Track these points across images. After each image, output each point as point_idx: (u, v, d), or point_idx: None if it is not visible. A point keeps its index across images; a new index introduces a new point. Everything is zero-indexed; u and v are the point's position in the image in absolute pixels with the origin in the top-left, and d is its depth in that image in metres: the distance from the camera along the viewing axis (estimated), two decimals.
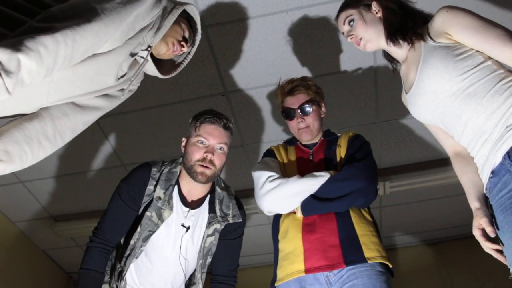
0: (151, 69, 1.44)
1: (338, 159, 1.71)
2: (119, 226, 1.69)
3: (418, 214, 3.36)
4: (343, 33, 1.50)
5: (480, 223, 1.24)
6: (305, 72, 2.45)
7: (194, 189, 1.74)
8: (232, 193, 1.85)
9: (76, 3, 1.10)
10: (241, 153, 2.89)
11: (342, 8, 1.49)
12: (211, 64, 2.39)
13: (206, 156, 1.65)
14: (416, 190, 3.05)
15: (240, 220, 1.80)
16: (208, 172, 1.65)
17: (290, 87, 1.80)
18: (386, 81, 2.48)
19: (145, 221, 1.67)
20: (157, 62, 1.46)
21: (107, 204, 1.75)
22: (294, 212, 1.64)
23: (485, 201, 1.29)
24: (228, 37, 2.28)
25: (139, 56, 1.36)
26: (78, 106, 1.26)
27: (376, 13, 1.42)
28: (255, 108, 2.64)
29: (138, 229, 1.67)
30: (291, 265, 1.55)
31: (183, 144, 1.76)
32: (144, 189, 1.69)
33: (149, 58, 1.38)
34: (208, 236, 1.76)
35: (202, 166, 1.64)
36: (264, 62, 2.40)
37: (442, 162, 2.89)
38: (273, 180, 1.64)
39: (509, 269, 1.21)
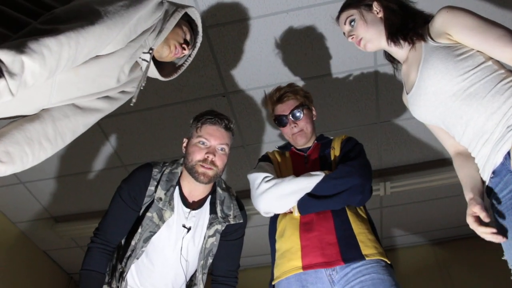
0: (152, 72, 1.44)
1: (332, 161, 1.73)
2: (120, 227, 1.69)
3: (419, 214, 3.36)
4: (344, 33, 1.51)
5: (474, 210, 1.23)
6: (305, 72, 2.45)
7: (195, 189, 1.74)
8: (233, 193, 1.85)
9: (80, 5, 1.10)
10: (242, 153, 2.89)
11: (343, 8, 1.49)
12: (211, 64, 2.39)
13: (207, 157, 1.65)
14: (416, 191, 3.05)
15: (241, 221, 1.80)
16: (210, 172, 1.65)
17: (279, 95, 1.83)
18: (387, 81, 2.48)
19: (146, 222, 1.67)
20: (158, 64, 1.46)
21: (108, 205, 1.75)
22: (290, 212, 1.64)
23: (481, 195, 1.28)
24: (229, 38, 2.28)
25: (141, 58, 1.37)
26: (79, 108, 1.26)
27: (377, 13, 1.42)
28: (256, 108, 2.64)
29: (139, 230, 1.67)
30: (288, 262, 1.55)
31: (184, 145, 1.76)
32: (145, 189, 1.69)
33: (151, 60, 1.39)
34: (209, 237, 1.76)
35: (203, 167, 1.64)
36: (265, 63, 2.40)
37: (442, 162, 2.88)
38: (268, 180, 1.66)
39: (510, 269, 1.21)
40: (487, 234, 1.19)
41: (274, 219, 1.73)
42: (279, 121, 1.82)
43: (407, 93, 1.43)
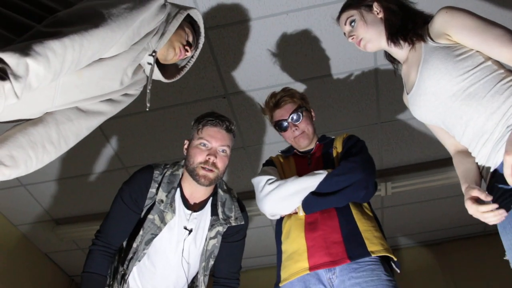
0: (155, 74, 1.45)
1: (335, 161, 1.73)
2: (121, 229, 1.69)
3: (420, 214, 3.35)
4: (344, 33, 1.51)
5: (472, 195, 1.20)
6: (305, 73, 2.45)
7: (196, 191, 1.74)
8: (234, 195, 1.85)
9: (83, 8, 1.10)
10: (243, 155, 2.89)
11: (344, 9, 1.49)
12: (211, 66, 2.39)
13: (209, 159, 1.65)
14: (418, 191, 3.05)
15: (243, 222, 1.80)
16: (211, 175, 1.65)
17: (275, 100, 1.82)
18: (387, 81, 2.48)
19: (148, 224, 1.67)
20: (161, 66, 1.47)
21: (109, 207, 1.75)
22: (295, 213, 1.64)
23: (478, 186, 1.26)
24: (229, 39, 2.29)
25: (144, 61, 1.37)
26: (82, 111, 1.27)
27: (377, 14, 1.43)
28: (256, 110, 2.63)
29: (141, 232, 1.67)
30: (295, 264, 1.55)
31: (185, 146, 1.76)
32: (146, 192, 1.69)
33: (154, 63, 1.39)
34: (210, 238, 1.75)
35: (205, 169, 1.64)
36: (265, 64, 2.40)
37: (443, 162, 2.88)
38: (272, 182, 1.66)
39: None
40: (489, 213, 1.15)
41: (280, 221, 1.73)
42: (279, 126, 1.80)
43: (407, 93, 1.43)
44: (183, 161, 1.78)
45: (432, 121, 1.39)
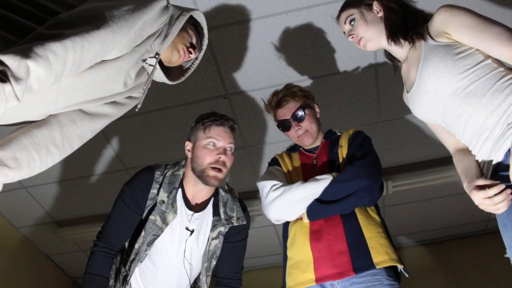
0: (159, 76, 1.44)
1: (341, 160, 1.70)
2: (123, 230, 1.69)
3: (422, 213, 3.35)
4: (344, 32, 1.51)
5: (476, 183, 1.19)
6: (306, 72, 2.45)
7: (199, 192, 1.74)
8: (235, 195, 1.85)
9: (85, 10, 1.10)
10: (243, 155, 2.89)
11: (343, 8, 1.49)
12: (212, 66, 2.39)
13: (219, 158, 1.65)
14: (419, 189, 3.05)
15: (245, 222, 1.80)
16: (220, 175, 1.65)
17: (276, 99, 1.78)
18: (387, 80, 2.47)
19: (149, 225, 1.67)
20: (165, 68, 1.46)
21: (110, 208, 1.75)
22: (301, 218, 1.63)
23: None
24: (229, 39, 2.28)
25: (147, 63, 1.36)
26: (86, 113, 1.27)
27: (377, 12, 1.43)
28: (257, 109, 2.63)
29: (142, 233, 1.67)
30: (302, 274, 1.55)
31: (189, 148, 1.74)
32: (147, 192, 1.69)
33: (157, 65, 1.38)
34: (212, 239, 1.75)
35: (215, 169, 1.64)
36: (265, 64, 2.40)
37: (444, 161, 2.88)
38: (276, 188, 1.64)
39: None
40: (499, 195, 1.13)
41: (286, 224, 1.72)
42: (283, 126, 1.78)
43: (407, 92, 1.43)
44: (184, 161, 1.78)
45: (432, 119, 1.39)
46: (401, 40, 1.39)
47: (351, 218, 1.57)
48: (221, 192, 1.80)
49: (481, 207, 1.19)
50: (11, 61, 0.92)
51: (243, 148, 2.85)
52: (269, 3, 2.14)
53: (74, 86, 1.16)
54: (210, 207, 1.77)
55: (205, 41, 1.54)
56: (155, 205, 1.68)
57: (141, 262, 1.69)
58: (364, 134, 1.76)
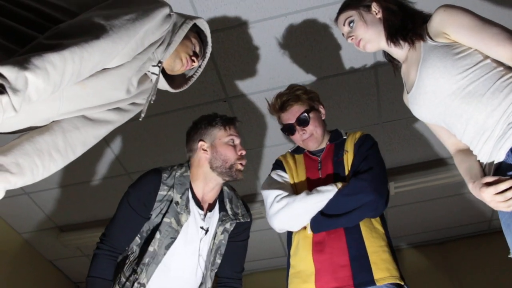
0: (162, 84, 1.44)
1: (346, 167, 1.67)
2: (127, 233, 1.68)
3: (424, 214, 3.34)
4: (343, 34, 1.51)
5: (484, 181, 1.18)
6: (305, 75, 2.45)
7: (209, 191, 1.76)
8: (238, 194, 1.88)
9: (85, 19, 1.10)
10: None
11: (342, 9, 1.49)
12: (211, 70, 2.40)
13: (242, 153, 1.74)
14: (421, 190, 3.04)
15: (249, 220, 1.84)
16: (243, 168, 1.74)
17: (280, 103, 1.74)
18: (387, 81, 2.47)
19: (165, 228, 1.66)
20: (168, 76, 1.46)
21: (112, 213, 1.74)
22: (305, 228, 1.62)
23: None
24: (228, 43, 2.29)
25: (150, 72, 1.36)
26: (89, 119, 1.27)
27: (376, 14, 1.42)
28: (257, 113, 2.64)
29: (158, 236, 1.65)
30: (302, 284, 1.56)
31: (205, 147, 1.75)
32: (155, 195, 1.68)
33: (160, 73, 1.38)
34: (219, 234, 1.77)
35: (241, 164, 1.73)
36: (265, 67, 2.40)
37: (446, 161, 2.88)
38: (280, 199, 1.63)
39: None
40: (510, 190, 1.12)
41: (290, 231, 1.71)
42: (287, 130, 1.76)
43: (407, 93, 1.43)
44: (187, 162, 1.79)
45: (433, 120, 1.38)
46: (401, 41, 1.39)
47: (354, 230, 1.56)
48: (226, 188, 1.83)
49: (492, 204, 1.17)
50: (9, 73, 0.92)
51: None
52: (268, 6, 2.14)
53: (76, 94, 1.16)
54: (217, 203, 1.80)
55: (209, 49, 1.53)
56: (168, 207, 1.67)
57: (157, 265, 1.66)
58: (371, 139, 1.73)
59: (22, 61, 0.94)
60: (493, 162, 1.21)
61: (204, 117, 1.81)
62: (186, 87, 1.55)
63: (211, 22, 2.19)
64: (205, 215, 1.75)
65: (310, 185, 1.67)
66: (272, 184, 1.72)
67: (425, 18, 1.38)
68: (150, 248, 1.65)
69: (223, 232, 1.77)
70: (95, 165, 2.91)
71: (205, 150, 1.74)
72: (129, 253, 1.70)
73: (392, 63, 1.54)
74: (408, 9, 1.42)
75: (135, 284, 1.63)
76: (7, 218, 3.27)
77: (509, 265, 1.30)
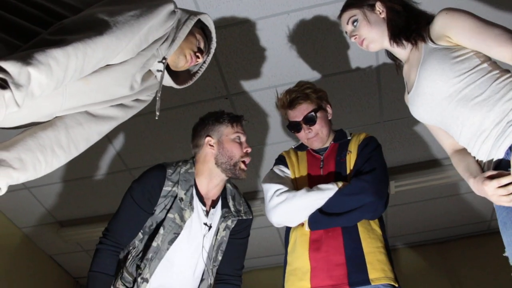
0: (167, 81, 1.44)
1: (348, 167, 1.68)
2: (131, 228, 1.68)
3: (424, 213, 3.35)
4: (345, 33, 1.51)
5: (487, 175, 1.19)
6: (308, 73, 2.45)
7: (213, 187, 1.77)
8: (240, 192, 1.90)
9: (89, 15, 1.10)
10: None
11: (346, 8, 1.49)
12: (213, 67, 2.40)
13: (247, 150, 1.76)
14: (421, 189, 3.04)
15: (251, 217, 1.85)
16: (246, 167, 1.76)
17: (289, 100, 1.75)
18: (389, 80, 2.48)
19: (169, 223, 1.67)
20: (172, 72, 1.46)
21: (112, 209, 1.75)
22: (302, 224, 1.63)
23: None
24: (230, 40, 2.29)
25: (155, 68, 1.36)
26: (93, 116, 1.27)
27: (380, 13, 1.43)
28: (259, 110, 2.64)
29: (161, 231, 1.66)
30: (298, 281, 1.57)
31: (211, 143, 1.76)
32: (159, 190, 1.69)
33: (164, 70, 1.38)
34: (221, 230, 1.78)
35: (244, 163, 1.74)
36: (267, 64, 2.40)
37: (447, 160, 2.88)
38: (280, 193, 1.64)
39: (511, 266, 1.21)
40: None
41: (288, 228, 1.73)
42: (293, 127, 1.76)
43: (408, 93, 1.44)
44: (192, 159, 1.80)
45: (430, 121, 1.40)
46: (404, 42, 1.39)
47: (351, 230, 1.57)
48: (229, 186, 1.85)
49: (493, 198, 1.17)
50: (12, 68, 0.92)
51: None
52: (271, 3, 2.15)
53: (79, 90, 1.16)
54: (220, 200, 1.81)
55: (213, 45, 1.53)
56: (172, 203, 1.68)
57: (160, 260, 1.67)
58: (375, 142, 1.73)
59: (25, 57, 0.95)
60: (492, 159, 1.22)
61: (212, 113, 1.82)
62: (190, 83, 1.55)
63: (213, 19, 2.19)
64: (208, 212, 1.76)
65: (311, 183, 1.68)
66: (274, 178, 1.73)
67: (428, 19, 1.38)
68: (154, 244, 1.66)
69: (225, 229, 1.79)
70: (96, 161, 2.92)
71: (212, 146, 1.76)
72: (131, 248, 1.70)
73: (395, 62, 1.55)
74: (412, 10, 1.42)
75: (138, 279, 1.63)
76: (7, 212, 3.28)
77: (508, 265, 1.30)
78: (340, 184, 1.60)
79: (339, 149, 1.74)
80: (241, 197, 1.87)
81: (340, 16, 1.51)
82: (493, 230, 3.42)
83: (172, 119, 2.67)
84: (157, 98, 1.40)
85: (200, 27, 1.48)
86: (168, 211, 1.67)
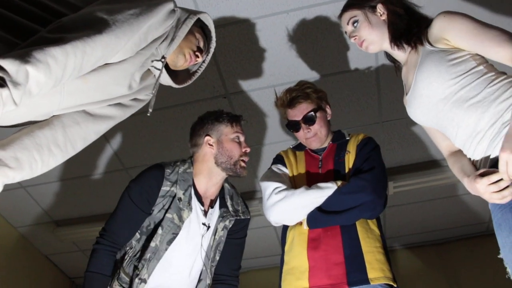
0: (165, 80, 1.44)
1: (346, 167, 1.69)
2: (128, 228, 1.67)
3: (423, 214, 3.36)
4: (345, 32, 1.52)
5: (479, 172, 1.20)
6: (307, 72, 2.46)
7: (212, 187, 1.77)
8: (238, 192, 1.90)
9: (88, 13, 1.10)
10: None
11: (346, 8, 1.49)
12: (212, 66, 2.40)
13: (246, 150, 1.77)
14: (420, 190, 3.06)
15: (248, 217, 1.86)
16: (246, 166, 1.77)
17: (289, 98, 1.76)
18: (389, 80, 2.48)
19: (167, 224, 1.67)
20: (171, 71, 1.46)
21: (109, 208, 1.75)
22: (300, 223, 1.64)
23: None
24: (229, 39, 2.29)
25: (153, 67, 1.36)
26: (90, 115, 1.26)
27: (381, 15, 1.44)
28: (257, 110, 2.64)
29: (160, 231, 1.66)
30: (296, 281, 1.57)
31: (211, 142, 1.76)
32: (158, 190, 1.69)
33: (163, 69, 1.38)
34: (219, 230, 1.79)
35: (244, 161, 1.76)
36: (266, 63, 2.41)
37: (445, 161, 2.87)
38: (279, 191, 1.64)
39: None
40: (503, 181, 1.13)
41: (285, 227, 1.73)
42: (292, 127, 1.77)
43: (406, 95, 1.45)
44: (190, 158, 1.81)
45: (427, 123, 1.42)
46: (404, 45, 1.41)
47: (350, 229, 1.58)
48: (227, 186, 1.85)
49: (486, 196, 1.18)
50: (10, 66, 0.92)
51: None
52: (270, 2, 2.15)
53: (77, 89, 1.16)
54: (218, 200, 1.82)
55: (213, 44, 1.54)
56: (171, 203, 1.68)
57: (158, 260, 1.67)
58: (374, 142, 1.75)
59: (23, 55, 0.95)
60: (488, 158, 1.23)
61: (211, 112, 1.83)
62: (189, 82, 1.55)
63: (212, 18, 2.19)
64: (206, 212, 1.76)
65: (309, 183, 1.68)
66: (272, 176, 1.74)
67: (428, 23, 1.39)
68: (152, 244, 1.66)
69: (223, 229, 1.79)
70: (93, 160, 2.92)
71: (211, 145, 1.76)
72: (128, 248, 1.70)
73: (394, 63, 1.56)
74: (414, 13, 1.43)
75: (136, 280, 1.63)
76: (2, 211, 3.28)
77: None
78: (339, 182, 1.61)
79: (338, 149, 1.76)
80: (238, 197, 1.88)
81: (340, 16, 1.52)
82: (491, 232, 3.37)
83: (170, 118, 2.67)
84: (151, 94, 1.39)
85: (200, 26, 1.48)
86: (166, 211, 1.67)
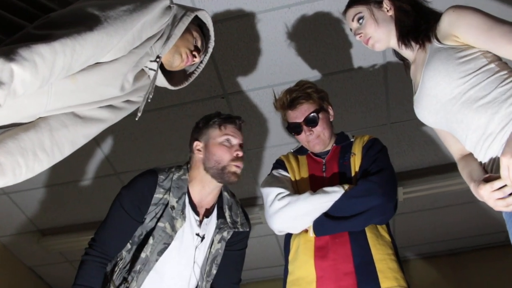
0: (160, 81, 1.44)
1: (352, 170, 1.70)
2: (120, 238, 1.68)
3: (435, 222, 3.36)
4: (350, 29, 1.53)
5: (482, 179, 1.22)
6: (309, 71, 2.47)
7: (207, 195, 1.77)
8: (238, 201, 1.90)
9: (78, 9, 1.10)
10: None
11: (351, 3, 1.51)
12: (209, 64, 2.41)
13: (237, 154, 1.74)
14: (431, 196, 3.06)
15: (248, 229, 1.85)
16: (239, 171, 1.74)
17: (289, 99, 1.76)
18: (397, 79, 2.49)
19: (158, 233, 1.67)
20: (167, 72, 1.45)
21: (100, 216, 1.75)
22: (306, 231, 1.64)
23: None
24: (227, 36, 2.31)
25: (147, 67, 1.36)
26: (79, 117, 1.25)
27: (387, 11, 1.45)
28: (257, 111, 2.66)
29: (151, 241, 1.67)
30: None
31: (199, 147, 1.77)
32: (150, 198, 1.69)
33: (158, 70, 1.38)
34: (216, 242, 1.79)
35: (236, 165, 1.72)
36: (266, 62, 2.42)
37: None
38: (282, 197, 1.64)
39: None
40: (508, 187, 1.15)
41: (289, 234, 1.73)
42: (293, 129, 1.78)
43: (414, 94, 1.47)
44: (186, 164, 1.81)
45: (436, 124, 1.42)
46: (412, 43, 1.42)
47: (359, 236, 1.58)
48: (226, 194, 1.85)
49: (490, 203, 1.21)
50: None
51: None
52: None
53: (66, 89, 1.16)
54: (215, 209, 1.81)
55: (211, 44, 1.54)
56: (163, 211, 1.69)
57: (148, 272, 1.68)
58: (380, 143, 1.76)
59: (8, 52, 0.94)
60: (499, 164, 1.25)
61: (205, 116, 1.83)
62: (186, 84, 1.55)
63: (210, 12, 2.22)
64: (201, 221, 1.76)
65: (313, 188, 1.68)
66: (273, 182, 1.74)
67: (438, 18, 1.39)
68: (142, 255, 1.66)
69: (220, 241, 1.79)
70: (82, 164, 2.93)
71: (199, 150, 1.77)
72: (118, 259, 1.70)
73: (403, 61, 1.58)
74: (421, 8, 1.44)
75: None
76: None
77: None
78: (346, 186, 1.61)
79: (342, 152, 1.76)
80: (238, 207, 1.87)
81: (345, 12, 1.53)
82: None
83: (164, 120, 2.68)
84: (144, 99, 1.39)
85: (198, 24, 1.48)
86: (158, 219, 1.68)
